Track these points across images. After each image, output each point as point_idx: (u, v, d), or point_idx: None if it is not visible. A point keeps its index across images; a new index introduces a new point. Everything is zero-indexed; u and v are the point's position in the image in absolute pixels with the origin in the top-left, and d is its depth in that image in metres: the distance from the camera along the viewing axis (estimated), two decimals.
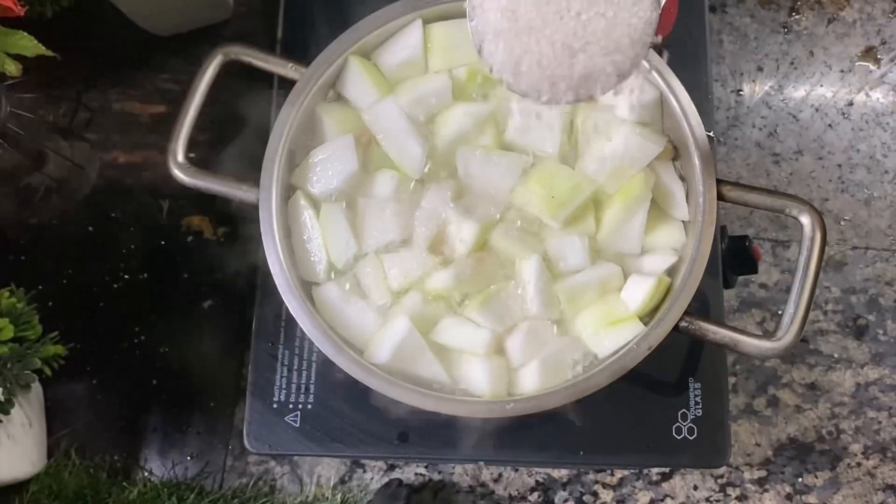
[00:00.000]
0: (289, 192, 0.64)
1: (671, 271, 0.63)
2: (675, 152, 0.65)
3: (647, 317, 0.61)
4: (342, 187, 0.63)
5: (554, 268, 0.63)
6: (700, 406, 0.67)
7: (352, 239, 0.62)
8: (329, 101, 0.67)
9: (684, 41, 0.73)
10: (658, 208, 0.64)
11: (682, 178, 0.65)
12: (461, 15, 0.66)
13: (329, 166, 0.63)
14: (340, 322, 0.61)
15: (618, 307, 0.61)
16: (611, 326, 0.60)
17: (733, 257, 0.73)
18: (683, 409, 0.67)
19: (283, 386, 0.68)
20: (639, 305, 0.60)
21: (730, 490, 1.01)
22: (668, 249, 0.63)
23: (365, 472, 0.99)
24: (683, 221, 0.64)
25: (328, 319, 0.61)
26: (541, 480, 1.00)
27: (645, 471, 1.01)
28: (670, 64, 0.64)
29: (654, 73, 0.64)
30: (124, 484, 0.86)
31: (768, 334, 0.59)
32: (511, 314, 0.61)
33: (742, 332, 0.60)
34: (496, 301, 0.61)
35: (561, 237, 0.63)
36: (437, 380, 0.61)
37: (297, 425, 0.67)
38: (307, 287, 0.63)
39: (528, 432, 0.66)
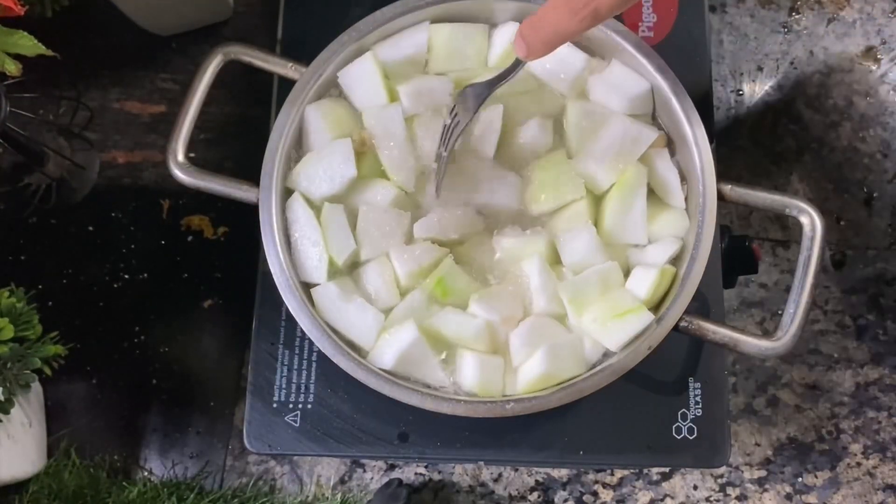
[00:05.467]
0: (288, 192, 0.64)
1: (675, 262, 0.63)
2: (670, 141, 0.66)
3: (653, 310, 0.61)
4: (340, 192, 0.64)
5: (559, 264, 0.63)
6: (700, 406, 0.67)
7: (352, 237, 0.62)
8: (320, 100, 0.66)
9: (684, 41, 0.73)
10: (657, 198, 0.64)
11: (683, 177, 0.65)
12: (462, 16, 0.66)
13: (327, 170, 0.63)
14: (339, 321, 0.61)
15: (623, 299, 0.61)
16: (618, 318, 0.60)
17: (733, 257, 0.73)
18: (683, 409, 0.67)
19: (283, 386, 0.68)
20: (646, 294, 0.60)
21: (730, 490, 1.01)
22: (671, 238, 0.63)
23: (365, 472, 0.99)
24: (683, 210, 0.64)
25: (327, 319, 0.61)
26: (541, 480, 1.00)
27: (645, 471, 1.01)
28: (670, 64, 0.64)
29: (648, 66, 0.64)
30: (124, 484, 0.86)
31: (768, 334, 0.59)
32: (509, 306, 0.61)
33: (742, 331, 0.60)
34: (495, 294, 0.62)
35: (566, 233, 0.63)
36: (441, 385, 0.61)
37: (297, 425, 0.67)
38: (307, 287, 0.63)
39: (528, 432, 0.66)
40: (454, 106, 0.61)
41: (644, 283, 0.61)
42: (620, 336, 0.60)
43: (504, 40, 0.66)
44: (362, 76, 0.65)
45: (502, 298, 0.61)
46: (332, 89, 0.67)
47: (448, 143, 0.61)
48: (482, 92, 0.59)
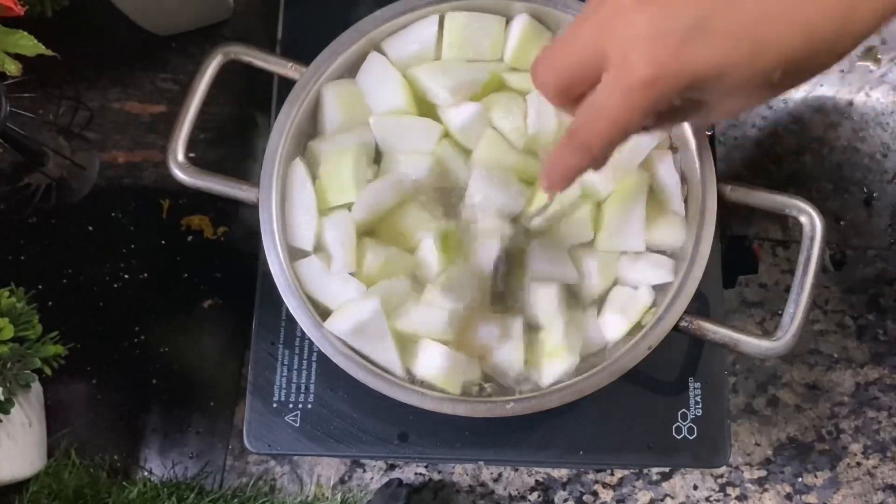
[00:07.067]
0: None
1: (675, 263, 0.63)
2: (672, 144, 0.65)
3: (650, 315, 0.61)
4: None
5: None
6: (700, 406, 0.67)
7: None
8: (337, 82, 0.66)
9: None
10: (656, 204, 0.64)
11: (683, 178, 0.65)
12: (466, 9, 0.66)
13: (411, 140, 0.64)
14: (322, 294, 0.61)
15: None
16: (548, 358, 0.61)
17: (733, 257, 0.73)
18: (683, 409, 0.67)
19: (283, 386, 0.68)
20: (616, 338, 0.61)
21: (730, 490, 1.01)
22: (666, 260, 0.63)
23: (365, 472, 0.99)
24: (682, 217, 0.64)
25: (310, 292, 0.61)
26: (541, 480, 1.00)
27: (645, 471, 1.01)
28: None
29: None
30: (124, 483, 0.86)
31: (768, 334, 0.59)
32: (470, 289, 0.61)
33: (742, 331, 0.60)
34: (456, 279, 0.61)
35: (534, 286, 0.63)
36: (389, 368, 0.60)
37: (297, 425, 0.67)
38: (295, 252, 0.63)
39: (528, 432, 0.66)
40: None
41: (617, 327, 0.61)
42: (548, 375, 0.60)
43: (518, 33, 0.65)
44: (381, 80, 0.65)
45: (460, 283, 0.61)
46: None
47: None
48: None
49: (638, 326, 0.61)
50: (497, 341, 0.61)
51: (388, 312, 0.60)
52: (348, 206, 0.62)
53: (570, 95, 0.45)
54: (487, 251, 0.61)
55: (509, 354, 0.61)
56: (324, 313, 0.61)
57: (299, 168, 0.63)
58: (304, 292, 0.61)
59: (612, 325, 0.61)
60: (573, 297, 0.63)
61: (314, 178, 0.63)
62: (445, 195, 0.65)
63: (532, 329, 0.62)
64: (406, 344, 0.61)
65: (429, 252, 0.61)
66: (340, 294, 0.61)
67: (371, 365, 0.59)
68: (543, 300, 0.61)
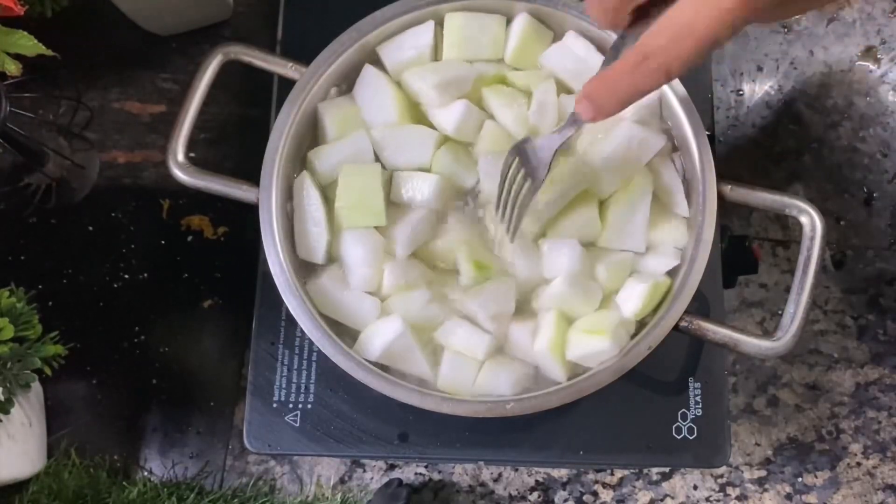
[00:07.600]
0: (288, 192, 0.64)
1: (672, 272, 0.63)
2: (675, 148, 0.65)
3: (649, 316, 0.61)
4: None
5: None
6: (700, 406, 0.67)
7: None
8: (330, 99, 0.66)
9: None
10: (659, 206, 0.64)
11: (683, 178, 0.65)
12: (466, 9, 0.66)
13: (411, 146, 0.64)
14: (338, 310, 0.61)
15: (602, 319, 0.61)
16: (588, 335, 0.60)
17: (733, 257, 0.73)
18: (683, 409, 0.67)
19: (283, 385, 0.68)
20: (636, 309, 0.60)
21: (730, 490, 1.01)
22: (671, 249, 0.63)
23: (365, 472, 0.99)
24: (685, 219, 0.64)
25: (325, 308, 0.61)
26: (541, 480, 1.00)
27: (645, 471, 1.01)
28: None
29: None
30: (124, 483, 0.86)
31: (768, 334, 0.59)
32: (502, 303, 0.61)
33: (742, 331, 0.60)
34: (490, 292, 0.61)
35: (552, 244, 0.63)
36: (424, 379, 0.61)
37: (297, 425, 0.67)
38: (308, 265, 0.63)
39: (528, 432, 0.66)
40: (509, 165, 0.57)
41: (636, 296, 0.60)
42: (577, 351, 0.60)
43: (518, 32, 0.65)
44: (376, 94, 0.65)
45: (497, 295, 0.61)
46: (334, 88, 0.67)
47: (516, 211, 0.58)
48: (550, 146, 0.55)
49: (655, 297, 0.61)
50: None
51: (415, 326, 0.60)
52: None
53: (624, 12, 0.44)
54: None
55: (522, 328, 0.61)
56: (325, 319, 0.61)
57: (307, 181, 0.63)
58: (312, 306, 0.61)
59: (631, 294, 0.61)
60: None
61: (322, 190, 0.63)
62: (469, 213, 0.65)
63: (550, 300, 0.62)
64: (434, 356, 0.62)
65: (466, 276, 0.62)
66: (356, 309, 0.61)
67: (371, 366, 0.59)
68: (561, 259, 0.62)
